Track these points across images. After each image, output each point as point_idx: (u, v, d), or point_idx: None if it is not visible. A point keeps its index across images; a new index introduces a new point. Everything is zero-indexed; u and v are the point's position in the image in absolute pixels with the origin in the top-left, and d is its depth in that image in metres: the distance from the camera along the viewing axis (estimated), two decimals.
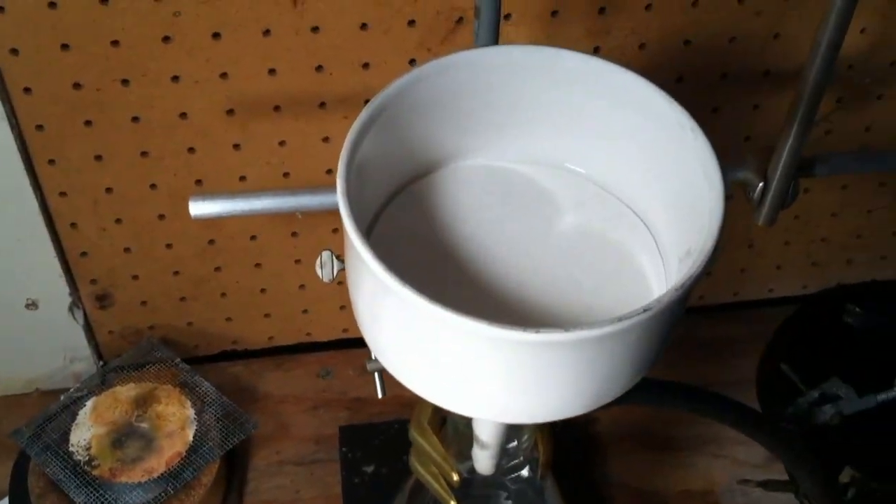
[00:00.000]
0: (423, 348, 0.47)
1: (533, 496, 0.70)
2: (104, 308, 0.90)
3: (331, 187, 0.50)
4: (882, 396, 0.86)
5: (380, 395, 0.70)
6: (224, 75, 0.75)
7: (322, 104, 0.78)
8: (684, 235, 0.51)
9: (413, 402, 0.57)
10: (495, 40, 0.63)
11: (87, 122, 0.76)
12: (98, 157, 0.78)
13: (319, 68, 0.76)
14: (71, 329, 0.90)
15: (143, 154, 0.79)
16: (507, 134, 0.58)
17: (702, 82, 0.83)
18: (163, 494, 0.81)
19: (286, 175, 0.83)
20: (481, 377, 0.47)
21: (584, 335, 0.43)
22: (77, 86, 0.73)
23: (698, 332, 1.00)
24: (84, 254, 0.85)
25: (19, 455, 0.86)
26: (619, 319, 0.44)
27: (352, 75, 0.76)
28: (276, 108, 0.78)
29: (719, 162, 0.50)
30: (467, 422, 0.62)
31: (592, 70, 0.54)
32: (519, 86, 0.55)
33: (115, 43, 0.71)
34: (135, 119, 0.76)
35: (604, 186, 0.58)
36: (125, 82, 0.74)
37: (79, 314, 0.90)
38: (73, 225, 0.83)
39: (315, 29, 0.73)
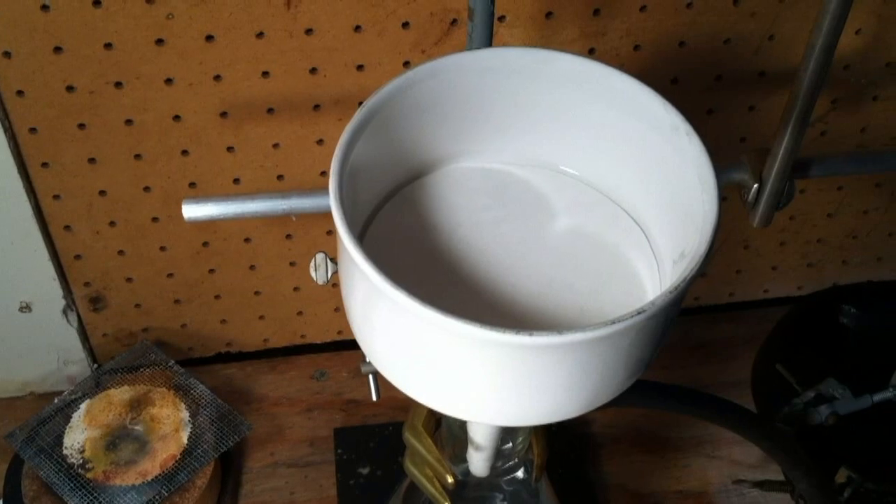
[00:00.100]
0: (417, 351, 0.47)
1: (528, 498, 0.69)
2: (98, 311, 0.90)
3: (324, 190, 0.50)
4: (878, 397, 0.86)
5: (374, 398, 0.70)
6: (218, 78, 0.74)
7: (316, 106, 0.78)
8: (678, 237, 0.51)
9: (408, 404, 0.57)
10: (489, 42, 0.63)
11: (81, 125, 0.76)
12: (92, 160, 0.78)
13: (313, 70, 0.75)
14: (65, 332, 0.90)
15: (137, 157, 0.79)
16: (501, 136, 0.57)
17: (697, 84, 0.83)
18: (157, 497, 0.81)
19: (280, 177, 0.82)
20: (475, 380, 0.47)
21: (577, 338, 0.43)
22: (70, 88, 0.73)
23: (694, 333, 1.00)
24: (78, 256, 0.85)
25: (13, 458, 0.86)
26: (613, 322, 0.43)
27: (346, 77, 0.76)
28: (270, 110, 0.78)
29: (713, 164, 0.50)
30: (462, 424, 0.62)
31: (586, 72, 0.54)
32: (513, 88, 0.55)
33: (108, 45, 0.71)
34: (128, 122, 0.76)
35: (598, 189, 0.58)
36: (118, 85, 0.74)
37: (73, 317, 0.89)
38: (66, 228, 0.83)
39: (309, 31, 0.73)
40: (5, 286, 0.86)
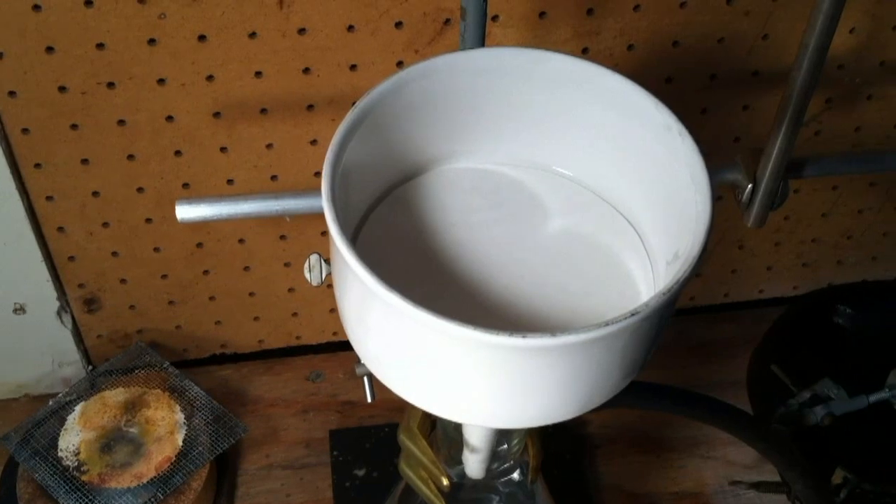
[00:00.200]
0: (410, 353, 0.47)
1: (524, 499, 0.69)
2: (92, 312, 0.90)
3: (318, 190, 0.49)
4: (873, 397, 0.86)
5: (369, 400, 0.70)
6: (210, 78, 0.74)
7: (309, 106, 0.78)
8: (672, 238, 0.51)
9: (403, 405, 0.56)
10: (482, 42, 0.63)
11: (73, 126, 0.75)
12: (84, 161, 0.78)
13: (306, 70, 0.75)
14: (59, 333, 0.90)
15: (130, 157, 0.78)
16: (494, 136, 0.57)
17: (691, 83, 0.82)
18: (152, 499, 0.81)
19: (274, 178, 0.82)
20: (469, 382, 0.47)
21: (571, 340, 0.43)
22: (62, 89, 0.73)
23: (689, 334, 1.00)
24: (71, 258, 0.85)
25: (8, 461, 0.86)
26: (607, 324, 0.43)
27: (339, 77, 0.76)
28: (263, 110, 0.77)
29: (707, 164, 0.49)
30: (457, 426, 0.62)
31: (580, 72, 0.54)
32: (506, 88, 0.55)
33: (100, 46, 0.71)
34: (121, 122, 0.76)
35: (591, 189, 0.57)
36: (111, 85, 0.73)
37: (67, 318, 0.89)
38: (60, 229, 0.83)
39: (302, 31, 0.73)
40: None
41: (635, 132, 0.53)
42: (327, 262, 0.57)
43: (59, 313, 0.88)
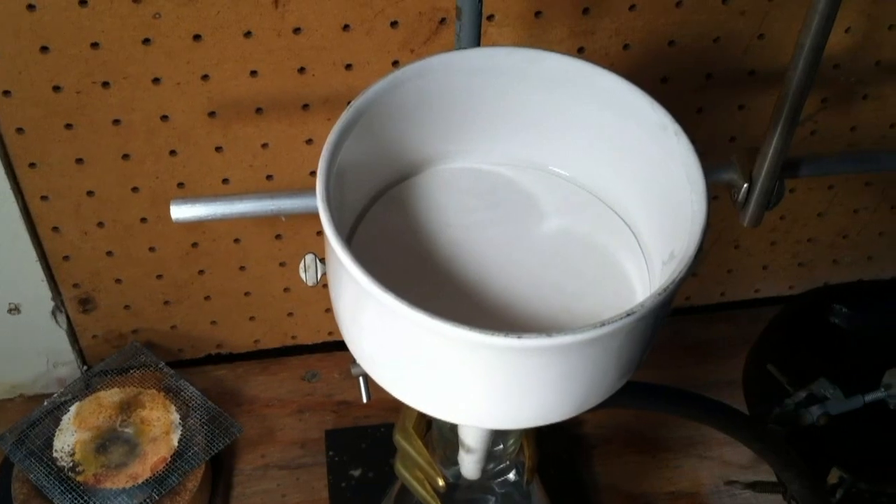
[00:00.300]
0: (405, 354, 0.47)
1: (520, 500, 0.69)
2: (87, 312, 0.90)
3: (313, 190, 0.49)
4: (869, 397, 0.86)
5: (364, 400, 0.70)
6: (205, 77, 0.74)
7: (305, 106, 0.78)
8: (668, 238, 0.51)
9: (399, 406, 0.56)
10: (478, 41, 0.63)
11: (68, 125, 0.75)
12: (79, 161, 0.78)
13: (302, 70, 0.75)
14: (54, 333, 0.90)
15: (125, 157, 0.78)
16: (490, 136, 0.57)
17: (686, 83, 0.82)
18: (148, 500, 0.81)
19: (269, 177, 0.82)
20: (464, 383, 0.47)
21: (567, 340, 0.43)
22: (57, 88, 0.73)
23: (685, 333, 1.00)
24: (66, 257, 0.85)
25: (3, 461, 0.85)
26: (603, 324, 0.43)
27: (335, 76, 0.76)
28: (259, 110, 0.77)
29: (702, 165, 0.49)
30: (452, 427, 0.61)
31: (575, 72, 0.54)
32: (501, 88, 0.55)
33: (94, 45, 0.71)
34: (116, 122, 0.76)
35: (587, 189, 0.57)
36: (105, 85, 0.73)
37: (62, 318, 0.89)
38: (55, 229, 0.82)
39: (297, 30, 0.73)
40: None
41: (631, 132, 0.53)
42: (322, 261, 0.57)
43: (53, 313, 0.88)
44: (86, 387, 0.89)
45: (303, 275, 0.57)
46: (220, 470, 0.88)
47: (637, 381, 0.52)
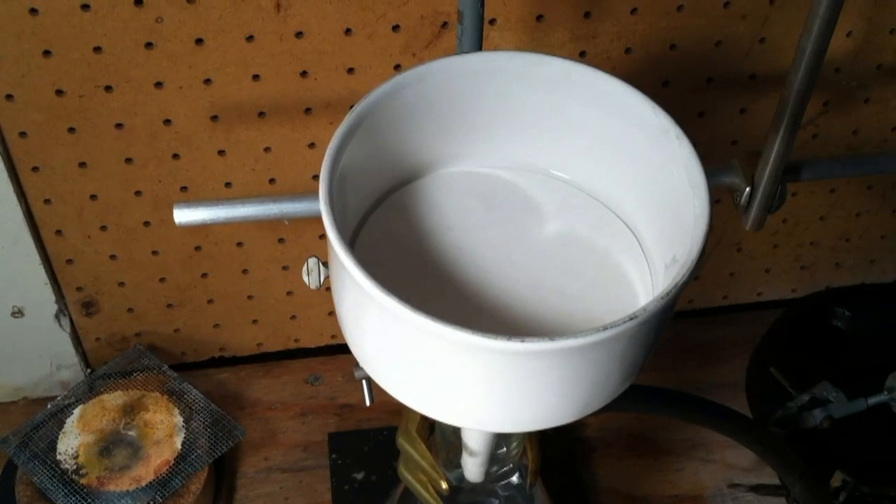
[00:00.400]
0: (407, 357, 0.47)
1: (523, 503, 0.69)
2: (90, 315, 0.90)
3: (315, 194, 0.49)
4: (872, 400, 0.86)
5: (367, 403, 0.70)
6: (208, 81, 0.74)
7: (307, 110, 0.78)
8: (670, 242, 0.51)
9: (402, 409, 0.56)
10: (480, 45, 0.63)
11: (71, 129, 0.75)
12: (82, 164, 0.78)
13: (304, 73, 0.75)
14: (57, 336, 0.90)
15: (128, 161, 0.78)
16: (491, 140, 0.57)
17: (688, 86, 0.82)
18: (151, 503, 0.81)
19: (272, 181, 0.82)
20: (466, 386, 0.47)
21: (569, 344, 0.43)
22: (60, 92, 0.73)
23: (687, 336, 1.00)
24: (69, 261, 0.85)
25: (6, 464, 0.85)
26: (606, 328, 0.43)
27: (337, 80, 0.76)
28: (261, 113, 0.77)
29: (704, 169, 0.49)
30: (455, 429, 0.61)
31: (576, 76, 0.54)
32: (502, 92, 0.55)
33: (97, 49, 0.71)
34: (118, 126, 0.76)
35: (588, 192, 0.57)
36: (108, 89, 0.73)
37: (65, 321, 0.89)
38: (58, 232, 0.83)
39: (299, 34, 0.73)
40: None
41: (632, 135, 0.53)
42: (325, 265, 0.57)
43: (57, 316, 0.88)
44: (89, 390, 0.89)
45: (306, 278, 0.57)
46: (223, 473, 0.88)
47: (639, 385, 0.52)
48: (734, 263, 1.00)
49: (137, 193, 0.81)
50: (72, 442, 0.84)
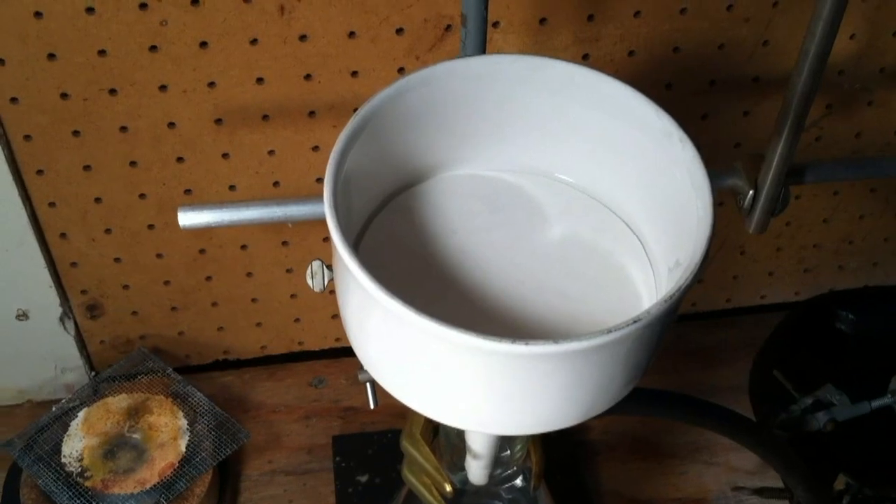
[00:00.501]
0: (412, 360, 0.47)
1: None
2: (95, 318, 0.90)
3: (319, 197, 0.50)
4: (876, 403, 0.86)
5: (371, 406, 0.70)
6: (212, 84, 0.74)
7: (311, 113, 0.78)
8: (673, 245, 0.51)
9: (406, 411, 0.56)
10: (483, 48, 0.63)
11: (75, 132, 0.76)
12: (87, 167, 0.78)
13: (308, 77, 0.75)
14: (62, 339, 0.90)
15: (132, 164, 0.79)
16: (495, 143, 0.57)
17: (691, 89, 0.82)
18: None
19: (276, 184, 0.82)
20: (470, 389, 0.47)
21: (574, 347, 0.43)
22: (64, 96, 0.73)
23: (690, 339, 1.00)
24: (74, 264, 0.85)
25: (11, 467, 0.86)
26: (609, 331, 0.43)
27: (340, 83, 0.76)
28: (265, 116, 0.77)
29: (707, 172, 0.49)
30: (459, 432, 0.62)
31: (579, 79, 0.54)
32: (506, 95, 0.55)
33: (101, 52, 0.71)
34: (123, 129, 0.76)
35: (592, 195, 0.58)
36: (112, 92, 0.74)
37: (69, 324, 0.89)
38: (62, 235, 0.83)
39: (303, 37, 0.73)
40: (2, 294, 0.85)
41: (635, 138, 0.53)
42: (329, 268, 0.57)
43: (61, 319, 0.89)
44: (94, 392, 0.89)
45: (310, 281, 0.57)
46: (228, 475, 0.88)
47: (643, 388, 0.52)
48: (737, 266, 1.00)
49: (142, 196, 0.81)
50: (76, 445, 0.84)
